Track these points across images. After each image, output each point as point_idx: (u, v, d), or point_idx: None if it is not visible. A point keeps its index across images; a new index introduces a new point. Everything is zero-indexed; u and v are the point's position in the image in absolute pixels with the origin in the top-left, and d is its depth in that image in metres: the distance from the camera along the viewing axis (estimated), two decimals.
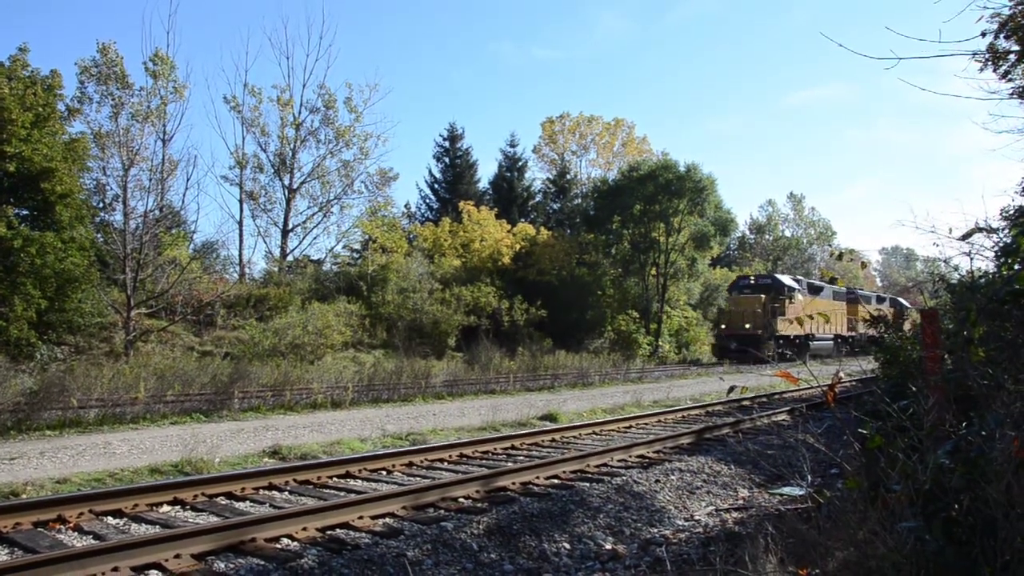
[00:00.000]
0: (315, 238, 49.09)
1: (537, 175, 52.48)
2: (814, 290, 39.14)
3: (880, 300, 48.14)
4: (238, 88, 49.21)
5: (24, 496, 6.58)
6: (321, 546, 5.08)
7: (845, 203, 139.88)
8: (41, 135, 19.12)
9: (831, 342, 39.34)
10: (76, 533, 5.51)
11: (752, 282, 36.62)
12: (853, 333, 41.00)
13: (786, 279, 36.75)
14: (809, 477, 5.87)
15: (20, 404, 11.22)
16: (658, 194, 42.49)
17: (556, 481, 7.38)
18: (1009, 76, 7.31)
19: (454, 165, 47.05)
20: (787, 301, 33.99)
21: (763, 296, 33.93)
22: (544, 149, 53.68)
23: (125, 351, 20.90)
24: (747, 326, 32.66)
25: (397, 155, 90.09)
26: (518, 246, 37.88)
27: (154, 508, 6.19)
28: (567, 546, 5.66)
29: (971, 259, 6.30)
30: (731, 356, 32.05)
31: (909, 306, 50.82)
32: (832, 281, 43.90)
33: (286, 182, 35.83)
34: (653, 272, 42.69)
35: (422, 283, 31.09)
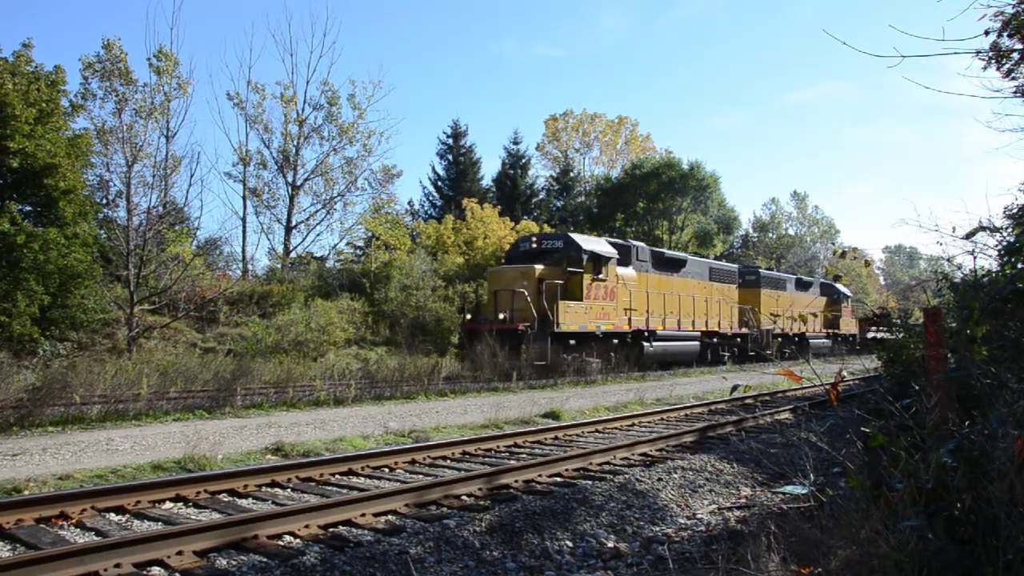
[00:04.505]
0: (318, 235, 49.41)
1: (540, 172, 52.63)
2: (665, 264, 25.81)
3: (803, 285, 37.11)
4: (242, 85, 49.32)
5: (26, 492, 6.58)
6: (323, 543, 5.08)
7: (848, 201, 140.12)
8: (44, 131, 19.16)
9: (694, 343, 26.06)
10: (78, 529, 5.52)
11: (532, 246, 21.91)
12: (746, 330, 30.14)
13: (589, 240, 22.41)
14: (811, 476, 5.86)
15: (23, 400, 11.23)
16: (661, 192, 42.57)
17: (559, 479, 7.38)
18: (1012, 75, 7.30)
19: (457, 162, 47.08)
20: (588, 277, 20.98)
21: (538, 267, 20.16)
22: (547, 147, 53.75)
23: (128, 347, 20.94)
24: (501, 316, 19.45)
25: (400, 152, 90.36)
26: None
27: (156, 505, 6.20)
28: (569, 544, 5.66)
29: (974, 258, 6.29)
30: (475, 364, 18.84)
31: (849, 294, 41.55)
32: (836, 279, 38.97)
33: (289, 179, 35.91)
34: None
35: (425, 280, 31.11)
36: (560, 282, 20.01)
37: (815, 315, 35.91)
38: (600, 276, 21.42)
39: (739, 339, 29.87)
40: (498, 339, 18.84)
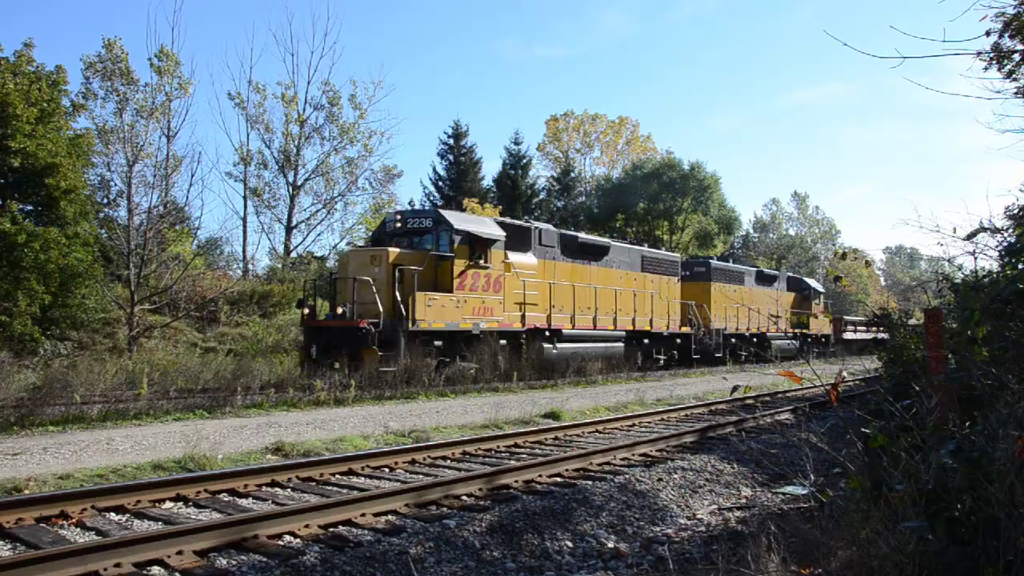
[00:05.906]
0: (319, 235, 49.53)
1: (541, 173, 52.62)
2: (579, 250, 21.61)
3: (766, 279, 33.01)
4: (243, 85, 49.30)
5: (27, 492, 6.58)
6: (323, 543, 5.09)
7: (848, 202, 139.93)
8: (46, 131, 19.18)
9: (615, 344, 22.27)
10: (79, 529, 5.52)
11: (397, 225, 18.07)
12: (688, 329, 26.35)
13: (466, 219, 18.96)
14: (812, 476, 5.86)
15: (23, 400, 11.25)
16: (662, 192, 42.58)
17: (559, 479, 7.38)
18: (1014, 75, 7.29)
19: (458, 162, 47.06)
20: (461, 263, 17.32)
21: (393, 250, 16.75)
22: (548, 147, 53.75)
23: (128, 347, 20.95)
24: (339, 310, 16.06)
25: (401, 152, 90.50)
26: None
27: (157, 504, 6.20)
28: (569, 544, 5.66)
29: (975, 259, 6.28)
30: (311, 370, 15.34)
31: (821, 289, 37.59)
32: (836, 280, 38.38)
33: (290, 179, 35.99)
34: None
35: None
36: (419, 268, 16.29)
37: (779, 313, 31.70)
38: (480, 262, 17.74)
39: (679, 339, 26.02)
40: (337, 339, 15.49)
